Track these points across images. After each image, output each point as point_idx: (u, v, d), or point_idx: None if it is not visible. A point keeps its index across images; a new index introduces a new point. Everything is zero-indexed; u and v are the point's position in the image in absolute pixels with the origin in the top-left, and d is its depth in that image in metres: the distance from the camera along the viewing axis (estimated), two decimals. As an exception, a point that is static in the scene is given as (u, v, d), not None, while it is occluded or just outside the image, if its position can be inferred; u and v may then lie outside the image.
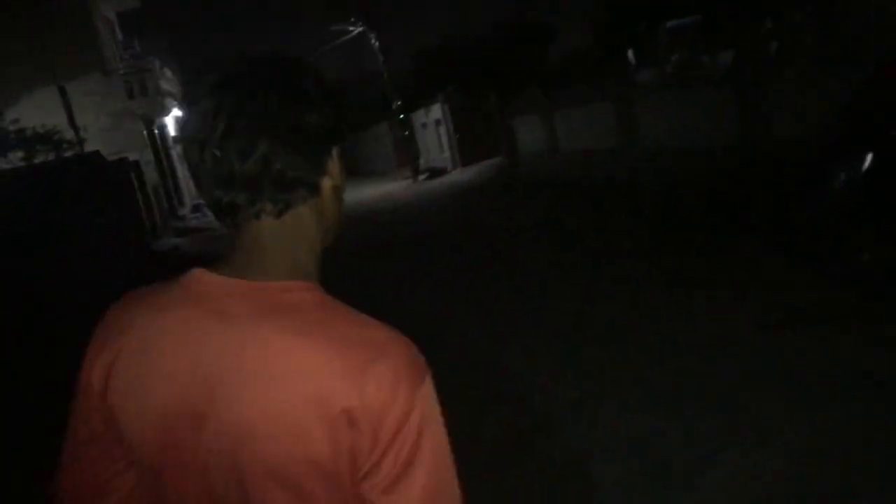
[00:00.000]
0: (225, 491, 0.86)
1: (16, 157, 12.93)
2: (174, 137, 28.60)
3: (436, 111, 24.57)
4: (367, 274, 8.75)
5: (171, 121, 26.73)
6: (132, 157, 18.34)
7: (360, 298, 1.00)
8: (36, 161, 12.97)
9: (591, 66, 17.04)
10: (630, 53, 21.39)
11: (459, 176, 21.95)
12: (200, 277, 0.90)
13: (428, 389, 0.85)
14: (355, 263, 9.72)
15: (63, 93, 13.98)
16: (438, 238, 11.43)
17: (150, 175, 20.01)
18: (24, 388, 5.88)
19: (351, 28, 26.80)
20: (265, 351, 0.83)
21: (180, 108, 28.30)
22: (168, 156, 26.41)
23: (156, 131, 24.02)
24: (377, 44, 26.06)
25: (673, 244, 7.34)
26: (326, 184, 0.93)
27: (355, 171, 35.16)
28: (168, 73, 27.98)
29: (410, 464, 0.81)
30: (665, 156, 12.09)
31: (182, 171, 29.53)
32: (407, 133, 26.21)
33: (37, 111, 15.87)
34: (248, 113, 0.85)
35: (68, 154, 13.45)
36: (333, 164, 0.94)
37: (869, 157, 4.59)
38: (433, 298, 7.25)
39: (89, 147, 16.40)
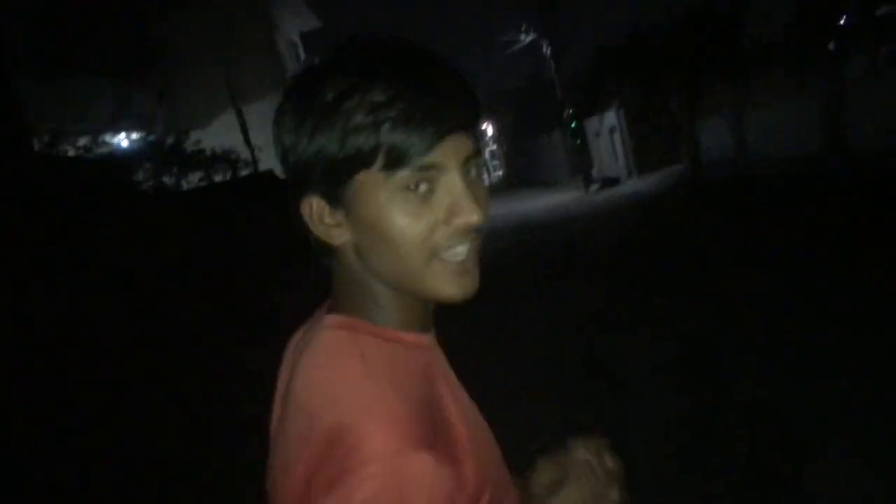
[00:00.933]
0: None
1: (195, 178, 13.46)
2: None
3: (610, 118, 23.29)
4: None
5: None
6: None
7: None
8: (214, 180, 13.43)
9: (789, 59, 15.13)
10: (832, 45, 19.01)
11: (635, 186, 20.56)
12: (316, 311, 0.93)
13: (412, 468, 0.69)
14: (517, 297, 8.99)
15: (239, 114, 14.47)
16: (615, 261, 10.38)
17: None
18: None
19: (523, 36, 26.21)
20: (295, 387, 0.81)
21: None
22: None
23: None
24: (549, 50, 25.24)
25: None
26: (323, 235, 0.83)
27: (526, 181, 34.54)
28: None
29: None
30: (888, 159, 10.25)
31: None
32: (579, 141, 25.11)
33: (223, 133, 16.65)
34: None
35: (244, 173, 13.83)
36: (313, 212, 0.82)
37: None
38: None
39: (272, 164, 16.95)
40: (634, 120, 21.61)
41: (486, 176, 47.25)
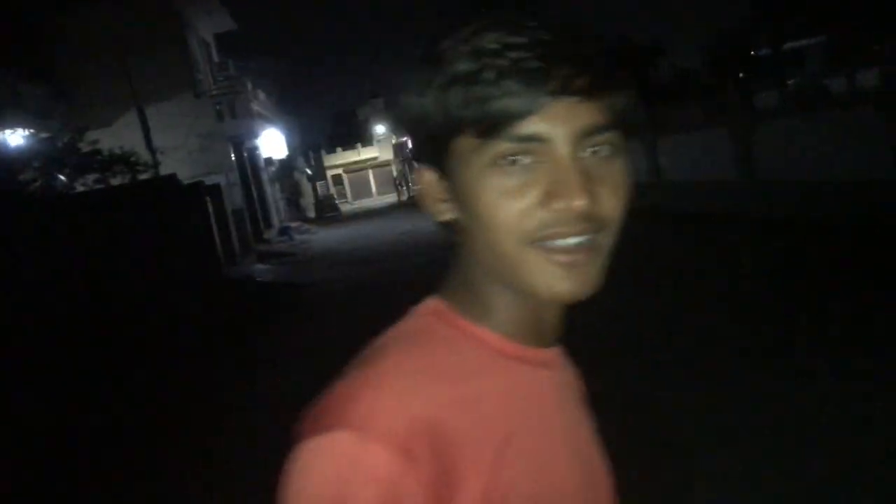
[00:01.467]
0: None
1: (91, 179, 12.59)
2: (266, 159, 28.59)
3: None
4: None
5: (263, 142, 26.65)
6: (219, 179, 18.02)
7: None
8: (112, 183, 12.58)
9: (701, 88, 15.44)
10: (744, 76, 19.65)
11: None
12: None
13: (292, 469, 0.64)
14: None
15: (141, 113, 13.64)
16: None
17: (236, 198, 19.66)
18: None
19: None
20: None
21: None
22: (258, 177, 26.27)
23: (244, 153, 23.84)
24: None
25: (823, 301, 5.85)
26: (431, 210, 0.75)
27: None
28: (261, 95, 28.02)
29: None
30: (794, 189, 10.46)
31: (272, 193, 29.50)
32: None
33: (127, 133, 15.72)
34: None
35: (144, 176, 13.02)
36: (425, 183, 0.74)
37: None
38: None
39: (177, 169, 16.12)
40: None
41: (402, 192, 46.97)
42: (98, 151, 12.70)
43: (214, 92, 22.06)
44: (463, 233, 0.73)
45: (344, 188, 61.34)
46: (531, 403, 0.74)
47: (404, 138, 51.05)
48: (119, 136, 15.04)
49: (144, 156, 13.84)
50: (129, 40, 18.19)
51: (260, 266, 17.74)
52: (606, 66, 0.68)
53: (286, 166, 36.09)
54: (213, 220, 13.87)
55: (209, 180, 16.50)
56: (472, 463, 0.66)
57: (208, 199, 13.79)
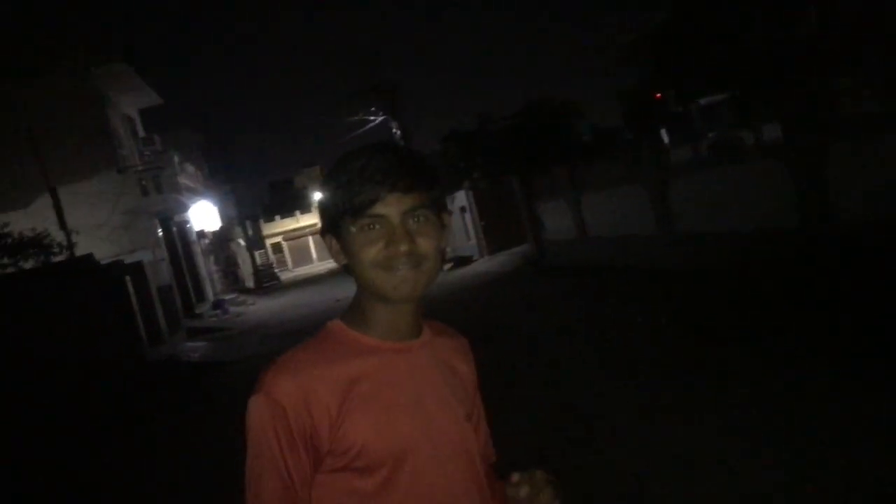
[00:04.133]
0: None
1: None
2: (198, 232, 28.07)
3: (461, 198, 23.60)
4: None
5: (194, 215, 26.19)
6: (145, 255, 17.55)
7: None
8: (23, 267, 12.08)
9: (621, 146, 15.85)
10: (663, 132, 20.27)
11: (486, 264, 20.72)
12: None
13: (249, 406, 1.18)
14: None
15: (54, 194, 13.23)
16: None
17: (163, 274, 19.14)
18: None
19: (372, 118, 26.36)
20: None
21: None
22: (189, 251, 25.73)
23: (173, 228, 23.36)
24: (398, 132, 25.47)
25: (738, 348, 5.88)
26: (334, 259, 1.28)
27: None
28: (190, 168, 27.69)
29: None
30: (709, 241, 10.68)
31: (206, 266, 28.90)
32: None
33: (48, 213, 15.22)
34: None
35: (59, 258, 12.55)
36: (329, 244, 1.27)
37: None
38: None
39: (101, 247, 15.62)
40: (483, 201, 21.97)
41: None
42: (7, 235, 12.22)
43: (140, 167, 21.68)
44: (351, 270, 1.23)
45: (284, 256, 60.62)
46: (383, 376, 1.21)
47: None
48: (37, 218, 14.56)
49: (62, 237, 13.39)
50: (44, 121, 17.80)
51: (189, 344, 17.18)
52: (419, 175, 1.19)
53: (221, 238, 35.52)
54: (133, 299, 13.44)
55: (134, 257, 16.05)
56: (325, 409, 1.15)
57: (128, 278, 13.38)
